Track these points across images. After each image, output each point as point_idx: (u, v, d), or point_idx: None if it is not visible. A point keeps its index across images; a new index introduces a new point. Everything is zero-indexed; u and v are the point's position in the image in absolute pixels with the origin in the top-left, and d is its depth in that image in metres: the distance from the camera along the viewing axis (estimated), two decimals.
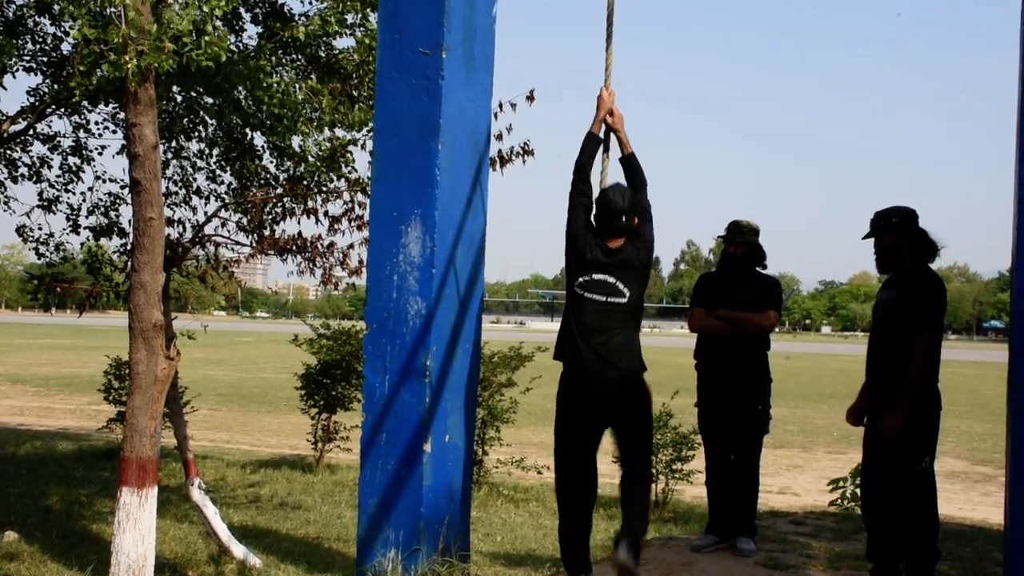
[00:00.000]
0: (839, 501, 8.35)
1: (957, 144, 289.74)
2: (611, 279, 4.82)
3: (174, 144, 7.30)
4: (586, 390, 4.79)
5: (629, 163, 5.11)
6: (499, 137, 7.00)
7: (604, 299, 4.81)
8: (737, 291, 5.95)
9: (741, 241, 5.99)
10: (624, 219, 4.87)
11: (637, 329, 4.93)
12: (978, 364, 47.82)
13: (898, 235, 5.11)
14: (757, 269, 6.08)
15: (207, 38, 5.03)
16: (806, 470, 13.06)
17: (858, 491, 7.34)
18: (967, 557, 6.39)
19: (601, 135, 5.08)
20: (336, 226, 7.55)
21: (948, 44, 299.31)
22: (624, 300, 4.83)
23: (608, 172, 5.12)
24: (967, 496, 11.36)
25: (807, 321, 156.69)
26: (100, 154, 7.82)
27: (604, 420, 4.88)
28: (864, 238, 5.25)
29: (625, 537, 4.75)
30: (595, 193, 5.01)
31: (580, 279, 4.84)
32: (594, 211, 4.97)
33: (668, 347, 56.73)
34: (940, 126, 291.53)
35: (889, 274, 5.26)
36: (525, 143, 7.35)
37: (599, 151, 5.09)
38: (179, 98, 7.05)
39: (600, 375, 4.75)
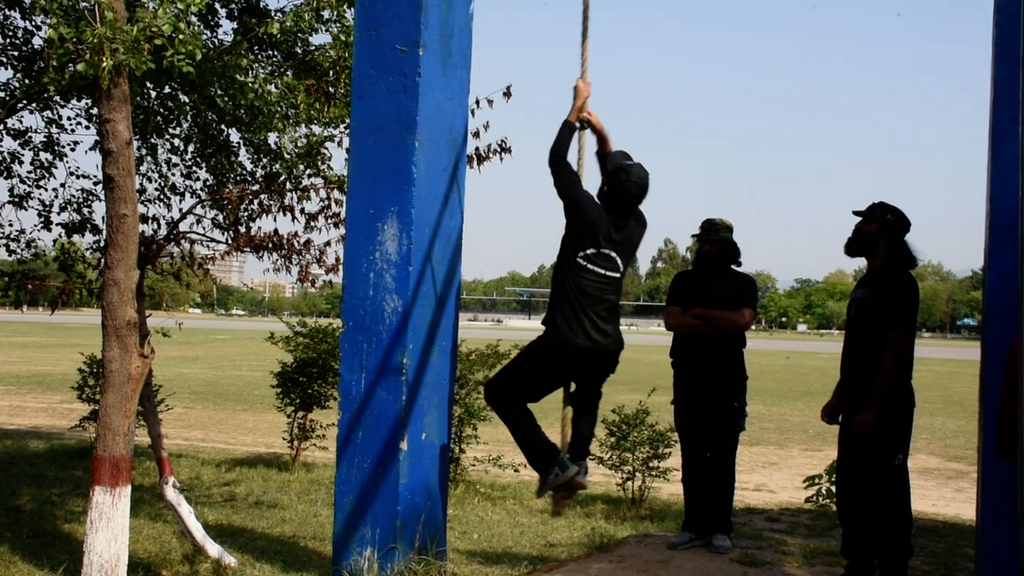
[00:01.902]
0: (814, 498, 8.40)
1: (932, 144, 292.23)
2: (614, 254, 5.03)
3: (149, 140, 7.23)
4: (575, 355, 4.97)
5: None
6: (476, 135, 7.00)
7: (603, 272, 5.00)
8: (713, 289, 5.97)
9: (715, 239, 6.02)
10: (641, 200, 5.13)
11: (619, 302, 5.19)
12: (951, 362, 48.24)
13: (880, 228, 5.14)
14: (732, 267, 6.11)
15: (181, 36, 4.99)
16: (782, 467, 13.12)
17: (833, 488, 7.39)
18: (940, 552, 6.44)
19: (577, 125, 5.18)
20: (313, 223, 7.53)
21: (925, 44, 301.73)
22: (618, 275, 5.09)
23: (584, 160, 5.24)
24: (940, 492, 11.46)
25: (783, 319, 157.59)
26: (73, 150, 7.73)
27: (575, 378, 5.17)
28: (854, 212, 5.28)
29: (581, 459, 5.16)
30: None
31: (588, 251, 4.98)
32: (610, 186, 5.11)
33: (645, 345, 56.85)
34: (915, 126, 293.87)
35: (854, 257, 5.32)
36: (502, 141, 7.35)
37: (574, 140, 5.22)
38: (153, 94, 6.99)
39: (593, 342, 4.94)
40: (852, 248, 5.29)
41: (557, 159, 5.06)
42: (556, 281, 5.08)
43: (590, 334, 4.93)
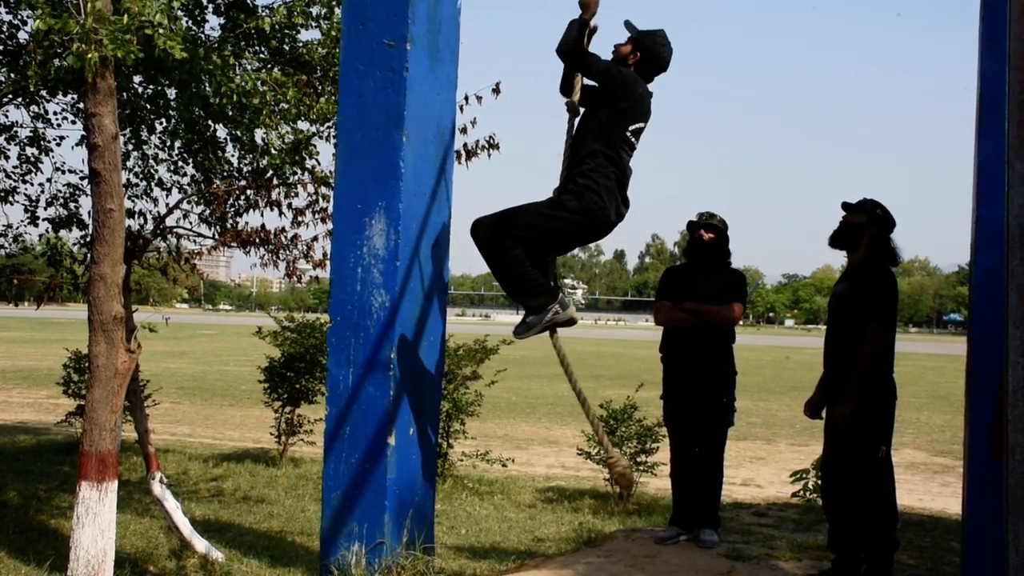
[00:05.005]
0: (801, 492, 8.43)
1: (918, 139, 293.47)
2: (645, 126, 4.87)
3: (135, 135, 7.20)
4: (604, 230, 4.77)
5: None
6: (464, 130, 7.00)
7: (635, 144, 4.83)
8: (703, 284, 5.98)
9: (712, 224, 6.03)
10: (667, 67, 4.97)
11: None
12: (938, 357, 48.45)
13: (868, 222, 5.15)
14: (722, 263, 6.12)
15: (172, 26, 4.97)
16: (769, 462, 13.17)
17: (820, 482, 7.42)
18: (926, 547, 6.48)
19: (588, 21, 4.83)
20: (300, 218, 7.51)
21: (911, 40, 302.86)
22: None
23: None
24: (926, 487, 11.51)
25: (771, 314, 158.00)
26: (59, 144, 7.70)
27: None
28: (843, 205, 5.28)
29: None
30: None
31: (637, 124, 4.78)
32: (643, 52, 4.88)
33: (633, 340, 56.99)
34: (902, 121, 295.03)
35: (836, 249, 5.31)
36: (491, 137, 7.35)
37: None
38: (140, 89, 6.96)
39: (619, 216, 4.78)
40: (837, 239, 5.29)
41: (575, 51, 4.69)
42: (592, 154, 4.71)
43: (620, 210, 4.75)
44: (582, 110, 4.92)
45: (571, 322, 4.83)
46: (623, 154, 4.74)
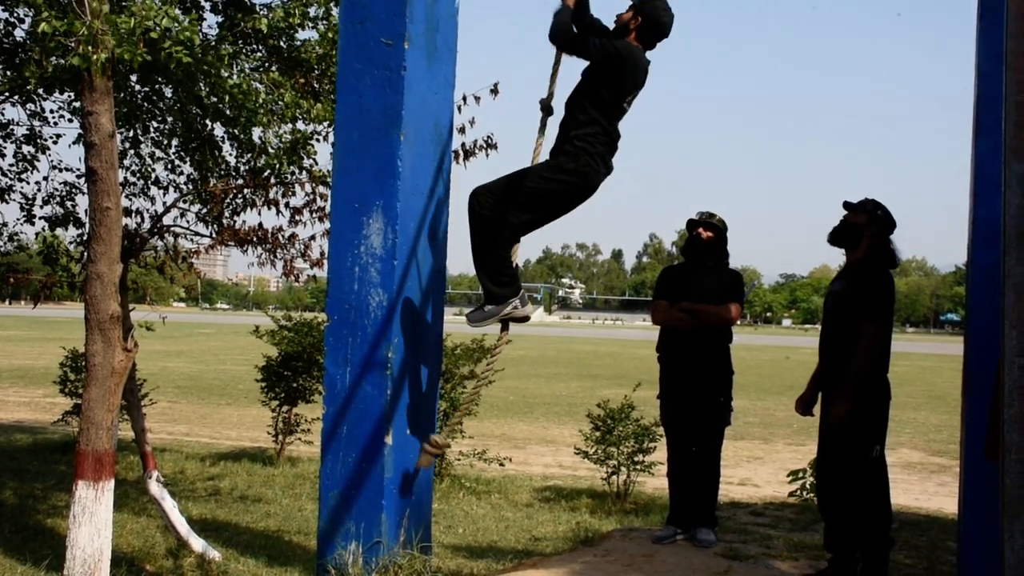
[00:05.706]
0: (798, 492, 8.43)
1: (916, 139, 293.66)
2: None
3: (132, 134, 7.19)
4: (595, 188, 4.83)
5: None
6: (462, 130, 6.99)
7: (628, 109, 4.90)
8: (700, 283, 5.97)
9: (711, 223, 6.03)
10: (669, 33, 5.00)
11: None
12: (935, 357, 48.50)
13: (868, 221, 5.14)
14: (721, 262, 6.12)
15: (177, 26, 4.98)
16: (766, 462, 13.18)
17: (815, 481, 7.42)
18: (922, 546, 6.48)
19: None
20: (297, 217, 7.51)
21: (909, 40, 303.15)
22: None
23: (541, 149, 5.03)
24: (923, 487, 11.52)
25: (768, 314, 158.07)
26: (55, 143, 7.70)
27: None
28: (845, 203, 5.28)
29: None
30: None
31: (634, 93, 4.87)
32: (644, 18, 4.87)
33: (630, 340, 56.97)
34: (900, 121, 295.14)
35: (835, 246, 5.30)
36: (489, 137, 7.35)
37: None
38: (137, 87, 6.95)
39: (608, 171, 4.87)
40: (836, 237, 5.28)
41: (568, 36, 4.74)
42: (591, 121, 4.76)
43: (609, 166, 4.83)
44: (555, 110, 4.97)
45: (525, 319, 4.97)
46: (615, 120, 4.84)
